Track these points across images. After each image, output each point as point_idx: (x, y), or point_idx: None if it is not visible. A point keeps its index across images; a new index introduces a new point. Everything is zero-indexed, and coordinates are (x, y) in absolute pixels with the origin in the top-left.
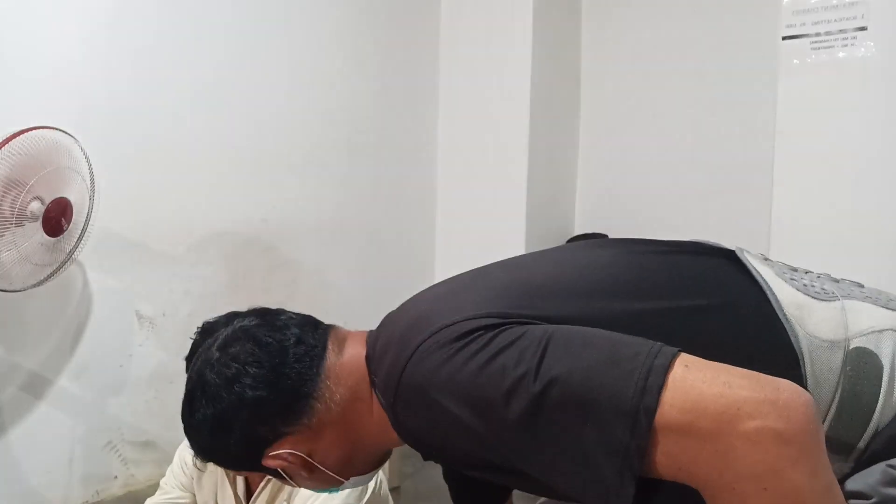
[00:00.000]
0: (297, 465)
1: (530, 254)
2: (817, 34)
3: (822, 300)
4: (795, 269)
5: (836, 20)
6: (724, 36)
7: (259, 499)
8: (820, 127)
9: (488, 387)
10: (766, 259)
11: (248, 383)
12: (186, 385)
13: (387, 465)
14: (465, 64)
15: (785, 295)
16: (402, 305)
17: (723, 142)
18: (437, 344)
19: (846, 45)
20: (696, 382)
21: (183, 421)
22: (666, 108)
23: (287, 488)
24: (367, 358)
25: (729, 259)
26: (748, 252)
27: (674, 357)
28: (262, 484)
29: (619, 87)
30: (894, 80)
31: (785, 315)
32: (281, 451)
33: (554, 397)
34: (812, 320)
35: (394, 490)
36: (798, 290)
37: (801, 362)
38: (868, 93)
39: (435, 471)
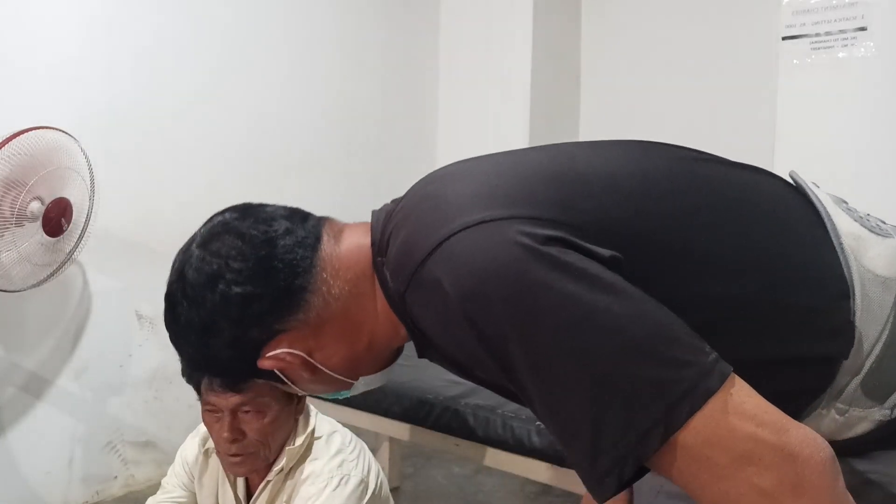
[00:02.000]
0: (297, 365)
1: (573, 143)
2: (817, 34)
3: (879, 235)
4: (846, 202)
5: (836, 20)
6: (724, 36)
7: (259, 499)
8: (819, 127)
9: (516, 316)
10: (818, 187)
11: (233, 279)
12: (166, 289)
13: (387, 465)
14: (465, 64)
15: (843, 223)
16: (424, 178)
17: (723, 142)
18: (471, 242)
19: (846, 46)
20: (731, 417)
21: (167, 329)
22: (666, 107)
23: (287, 489)
24: (373, 243)
25: (785, 184)
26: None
27: (723, 381)
28: (261, 485)
29: (619, 87)
30: (894, 80)
31: (841, 245)
32: (277, 352)
33: (586, 364)
34: (868, 254)
35: (394, 490)
36: (855, 220)
37: (851, 295)
38: (868, 93)
39: (435, 471)
